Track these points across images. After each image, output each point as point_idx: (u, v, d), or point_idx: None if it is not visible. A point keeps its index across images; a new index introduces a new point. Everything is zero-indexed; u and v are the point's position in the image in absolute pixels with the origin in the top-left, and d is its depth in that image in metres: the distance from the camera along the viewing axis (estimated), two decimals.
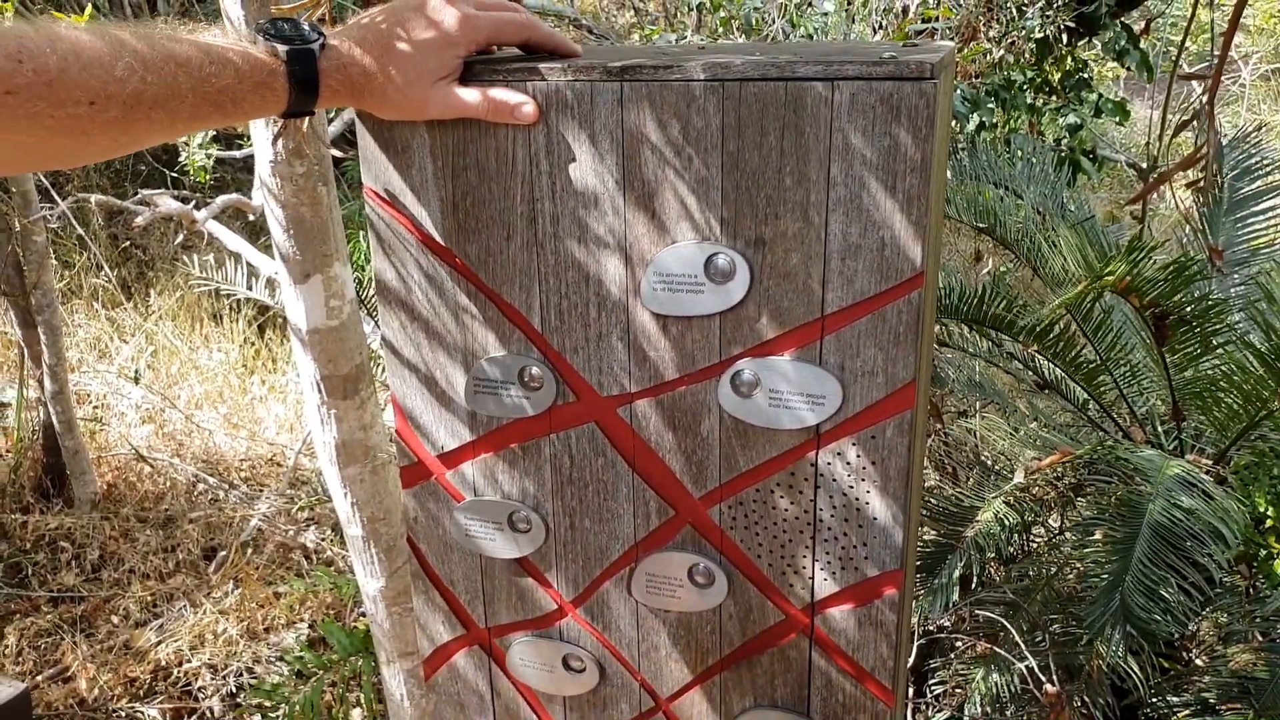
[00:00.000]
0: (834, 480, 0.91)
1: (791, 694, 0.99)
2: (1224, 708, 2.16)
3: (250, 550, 3.35)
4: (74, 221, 4.11)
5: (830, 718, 0.99)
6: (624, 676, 1.06)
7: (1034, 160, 3.07)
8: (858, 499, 0.91)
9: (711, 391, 0.93)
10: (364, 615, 2.92)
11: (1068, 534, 2.71)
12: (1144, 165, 2.94)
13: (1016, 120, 3.90)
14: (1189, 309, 2.18)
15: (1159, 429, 2.58)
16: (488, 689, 1.13)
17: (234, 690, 2.89)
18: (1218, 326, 2.23)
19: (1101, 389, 2.57)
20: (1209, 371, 2.29)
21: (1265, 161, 2.80)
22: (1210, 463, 2.27)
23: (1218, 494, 1.95)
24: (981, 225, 2.62)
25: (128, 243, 5.32)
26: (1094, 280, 2.01)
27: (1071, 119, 3.99)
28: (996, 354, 2.90)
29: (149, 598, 3.18)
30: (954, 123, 3.76)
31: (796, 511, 0.93)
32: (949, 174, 2.82)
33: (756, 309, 0.88)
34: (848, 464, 0.90)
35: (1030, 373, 2.81)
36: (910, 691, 2.51)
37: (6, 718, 2.19)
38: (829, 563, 0.94)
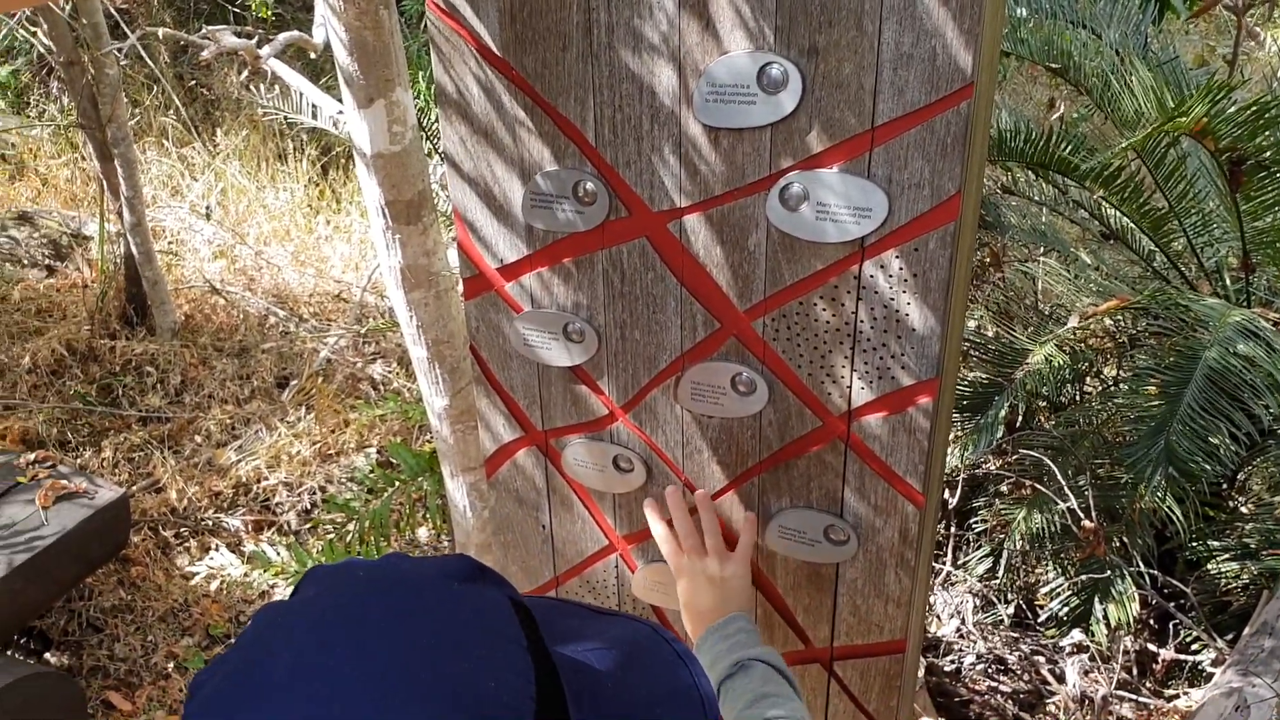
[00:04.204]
0: (875, 292, 0.94)
1: (825, 496, 1.06)
2: (1266, 553, 2.20)
3: (321, 379, 3.51)
4: (145, 57, 4.14)
5: (862, 518, 1.05)
6: (669, 477, 1.13)
7: None
8: (898, 310, 0.94)
9: (760, 205, 0.95)
10: (429, 441, 3.08)
11: (1122, 385, 2.71)
12: (1240, 1, 2.77)
13: None
14: (1268, 154, 2.11)
15: (1227, 282, 2.53)
16: (545, 485, 1.22)
17: (308, 507, 3.10)
18: None
19: (1170, 238, 2.51)
20: None
21: None
22: (1278, 315, 2.23)
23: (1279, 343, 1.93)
24: (1054, 66, 2.52)
25: (193, 82, 5.36)
26: (1166, 121, 1.95)
27: None
28: (1062, 202, 2.83)
29: (228, 420, 3.37)
30: None
31: (838, 323, 0.97)
32: (1024, 11, 2.69)
33: (807, 120, 0.90)
34: (890, 276, 0.93)
35: (1096, 222, 2.75)
36: (953, 528, 2.59)
37: (110, 515, 2.39)
38: (866, 372, 0.98)
